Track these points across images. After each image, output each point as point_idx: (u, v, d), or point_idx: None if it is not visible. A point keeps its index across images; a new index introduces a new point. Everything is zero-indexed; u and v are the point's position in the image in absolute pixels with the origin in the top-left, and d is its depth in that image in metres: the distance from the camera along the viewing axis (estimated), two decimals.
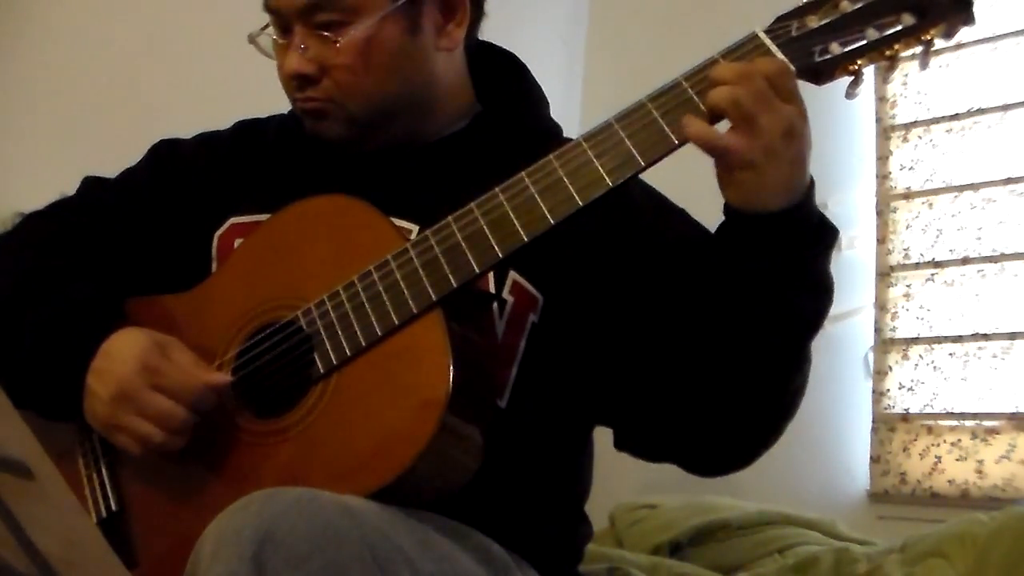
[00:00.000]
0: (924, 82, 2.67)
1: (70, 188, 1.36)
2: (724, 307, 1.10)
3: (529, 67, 1.36)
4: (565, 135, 1.27)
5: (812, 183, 1.08)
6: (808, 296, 1.09)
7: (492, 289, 1.15)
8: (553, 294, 1.18)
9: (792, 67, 1.04)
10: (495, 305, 1.16)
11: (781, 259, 1.06)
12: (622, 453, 1.25)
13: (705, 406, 1.13)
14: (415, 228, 1.16)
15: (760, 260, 1.07)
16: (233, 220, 1.26)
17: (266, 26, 1.24)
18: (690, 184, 1.25)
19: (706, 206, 1.15)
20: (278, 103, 1.37)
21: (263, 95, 1.41)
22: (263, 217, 1.22)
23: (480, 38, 1.32)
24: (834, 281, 1.12)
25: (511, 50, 1.36)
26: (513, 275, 1.16)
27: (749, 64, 1.04)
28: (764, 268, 1.07)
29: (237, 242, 1.24)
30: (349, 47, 1.17)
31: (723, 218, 1.10)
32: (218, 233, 1.26)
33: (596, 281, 1.19)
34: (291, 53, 1.19)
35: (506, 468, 1.12)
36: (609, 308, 1.18)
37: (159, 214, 1.30)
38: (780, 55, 1.05)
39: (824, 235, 1.10)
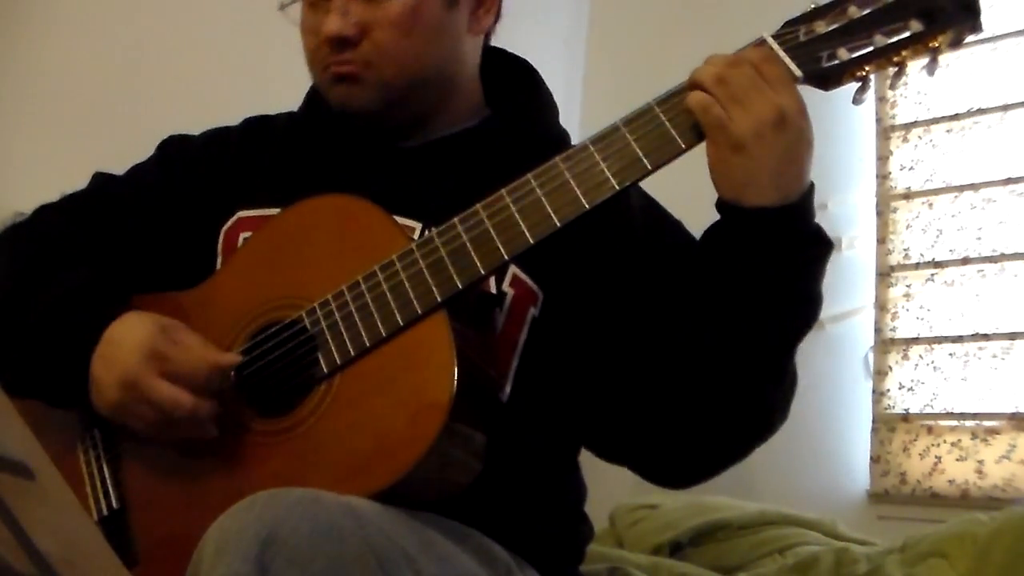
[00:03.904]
0: (924, 82, 2.66)
1: (70, 187, 1.36)
2: (705, 311, 1.09)
3: None
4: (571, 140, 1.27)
5: (811, 190, 1.08)
6: (791, 305, 1.08)
7: (492, 282, 1.15)
8: (552, 291, 1.19)
9: (778, 55, 1.05)
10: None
11: (767, 259, 1.06)
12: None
13: (674, 411, 1.12)
14: (418, 226, 1.16)
15: (745, 259, 1.06)
16: (241, 213, 1.26)
17: None
18: (692, 189, 1.24)
19: (707, 212, 1.14)
20: (280, 101, 1.37)
21: (264, 94, 1.41)
22: (271, 211, 1.22)
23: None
24: (822, 297, 1.10)
25: (511, 50, 1.36)
26: (513, 268, 1.17)
27: (736, 54, 1.06)
28: (749, 267, 1.06)
29: (243, 236, 1.24)
30: (396, 8, 1.18)
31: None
32: (225, 227, 1.26)
33: (593, 282, 1.19)
34: (332, 15, 1.19)
35: (507, 467, 1.13)
36: (603, 309, 1.18)
37: (167, 208, 1.30)
38: (788, 60, 1.05)
39: (818, 245, 1.09)
